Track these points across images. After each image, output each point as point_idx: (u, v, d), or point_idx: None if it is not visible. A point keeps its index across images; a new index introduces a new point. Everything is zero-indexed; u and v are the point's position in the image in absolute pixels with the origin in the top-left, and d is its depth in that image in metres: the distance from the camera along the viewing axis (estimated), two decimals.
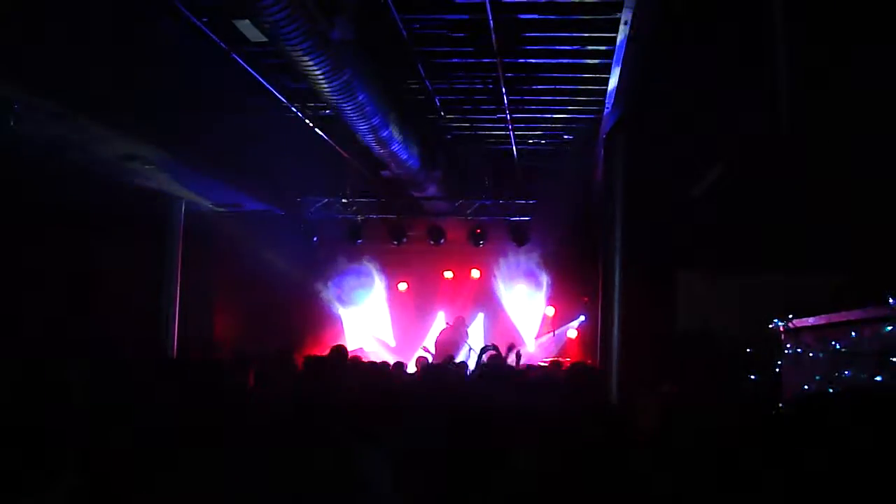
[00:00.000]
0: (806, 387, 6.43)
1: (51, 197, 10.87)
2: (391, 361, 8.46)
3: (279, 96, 9.46)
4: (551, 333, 14.78)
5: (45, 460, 3.11)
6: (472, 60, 8.65)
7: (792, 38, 6.32)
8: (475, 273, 15.26)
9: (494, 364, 7.48)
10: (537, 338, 14.82)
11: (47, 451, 3.16)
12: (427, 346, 10.51)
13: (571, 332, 14.68)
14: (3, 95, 7.74)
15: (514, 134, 11.29)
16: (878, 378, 5.24)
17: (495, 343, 8.94)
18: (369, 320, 15.36)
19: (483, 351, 8.35)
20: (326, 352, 7.77)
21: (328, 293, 14.97)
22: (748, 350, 8.23)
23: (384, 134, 9.24)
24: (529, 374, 7.59)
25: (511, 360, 8.84)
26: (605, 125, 9.25)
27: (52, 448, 3.21)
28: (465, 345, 13.81)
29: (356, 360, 8.52)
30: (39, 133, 8.84)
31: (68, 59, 7.27)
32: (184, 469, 3.44)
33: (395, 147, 9.88)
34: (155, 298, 12.76)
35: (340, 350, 7.75)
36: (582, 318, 14.40)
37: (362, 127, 8.85)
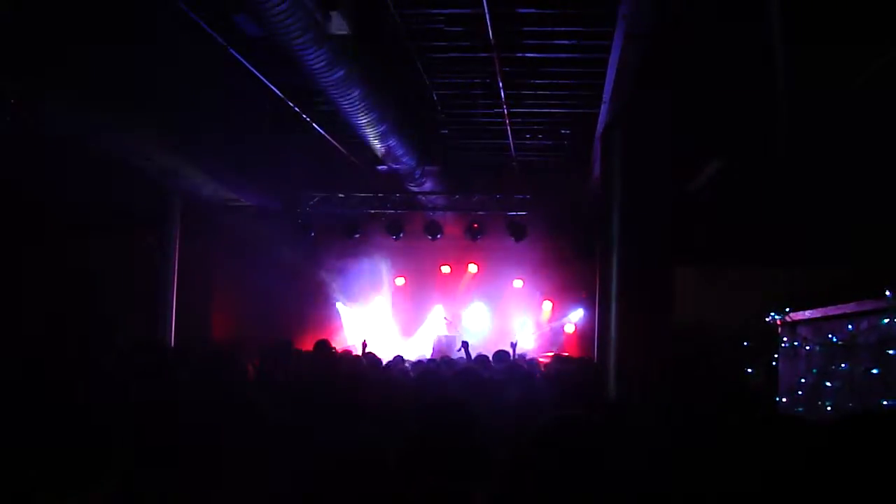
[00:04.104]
0: (802, 380, 6.45)
1: (48, 194, 10.86)
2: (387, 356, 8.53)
3: (277, 91, 9.45)
4: (547, 327, 14.81)
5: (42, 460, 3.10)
6: (470, 55, 8.65)
7: (792, 36, 6.33)
8: (472, 268, 15.28)
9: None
10: (533, 332, 14.85)
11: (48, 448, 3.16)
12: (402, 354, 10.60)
13: (569, 326, 14.71)
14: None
15: (511, 128, 11.29)
16: (875, 371, 5.27)
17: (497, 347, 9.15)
18: (367, 315, 15.37)
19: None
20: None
21: (325, 288, 14.98)
22: (745, 343, 8.26)
23: (381, 129, 9.25)
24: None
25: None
26: (603, 120, 9.25)
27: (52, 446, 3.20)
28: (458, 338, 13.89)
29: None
30: (37, 129, 8.83)
31: (67, 53, 7.27)
32: (184, 466, 3.42)
33: (392, 142, 9.89)
34: (153, 294, 12.75)
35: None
36: (580, 311, 14.42)
37: (359, 122, 8.85)
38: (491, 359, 8.35)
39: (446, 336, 14.21)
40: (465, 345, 9.52)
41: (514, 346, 10.31)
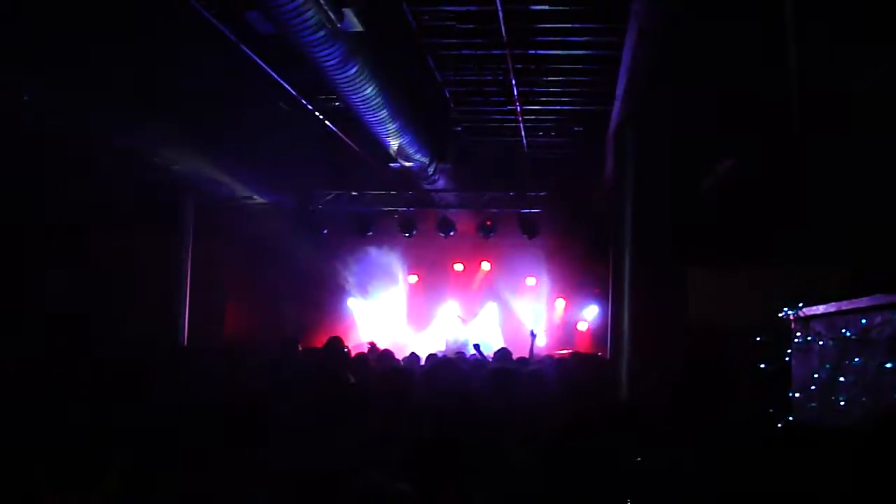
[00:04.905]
0: (816, 375, 6.42)
1: (60, 192, 10.93)
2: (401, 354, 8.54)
3: (289, 88, 9.48)
4: (559, 324, 14.79)
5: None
6: (482, 52, 8.64)
7: (803, 37, 6.32)
8: (485, 265, 15.27)
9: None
10: (546, 329, 14.81)
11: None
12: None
13: (582, 324, 14.67)
14: (13, 86, 7.79)
15: (523, 126, 11.28)
16: (888, 365, 5.24)
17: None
18: (380, 312, 15.39)
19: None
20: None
21: (338, 285, 15.01)
22: (758, 339, 8.22)
23: (393, 126, 9.25)
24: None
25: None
26: (615, 117, 9.23)
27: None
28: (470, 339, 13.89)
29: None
30: (49, 127, 8.89)
31: (81, 51, 7.31)
32: (188, 467, 3.44)
33: (405, 139, 9.89)
34: (165, 292, 12.81)
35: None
36: (593, 308, 14.38)
37: (371, 119, 8.85)
38: (492, 357, 8.32)
39: (459, 334, 14.20)
40: (476, 347, 9.52)
41: (533, 336, 10.29)
